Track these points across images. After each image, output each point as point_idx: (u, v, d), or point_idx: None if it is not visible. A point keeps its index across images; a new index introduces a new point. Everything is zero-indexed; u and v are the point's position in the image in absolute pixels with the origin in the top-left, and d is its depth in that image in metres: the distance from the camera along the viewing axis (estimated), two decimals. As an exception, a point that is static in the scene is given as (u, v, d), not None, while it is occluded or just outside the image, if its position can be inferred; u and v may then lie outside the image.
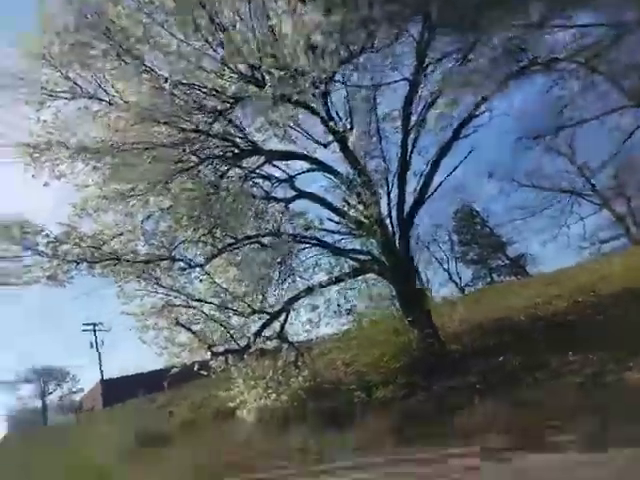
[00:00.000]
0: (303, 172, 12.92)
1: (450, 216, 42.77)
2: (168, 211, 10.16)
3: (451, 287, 43.09)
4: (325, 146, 12.55)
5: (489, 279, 43.26)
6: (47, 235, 9.87)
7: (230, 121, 11.14)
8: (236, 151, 11.08)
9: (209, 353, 12.11)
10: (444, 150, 11.99)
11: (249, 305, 12.44)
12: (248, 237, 11.42)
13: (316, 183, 13.69)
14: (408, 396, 10.53)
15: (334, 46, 9.46)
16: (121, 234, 10.60)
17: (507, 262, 43.13)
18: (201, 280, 12.55)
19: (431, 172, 12.08)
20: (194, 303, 12.22)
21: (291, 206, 12.55)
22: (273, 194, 12.56)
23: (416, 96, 11.50)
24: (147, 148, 10.06)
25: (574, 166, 28.80)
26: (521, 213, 30.48)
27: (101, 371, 45.98)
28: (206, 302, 12.31)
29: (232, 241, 11.21)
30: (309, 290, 11.49)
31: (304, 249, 12.00)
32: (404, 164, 11.87)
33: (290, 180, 12.68)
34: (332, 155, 12.41)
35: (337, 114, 12.00)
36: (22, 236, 9.59)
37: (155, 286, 12.11)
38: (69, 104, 10.60)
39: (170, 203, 10.13)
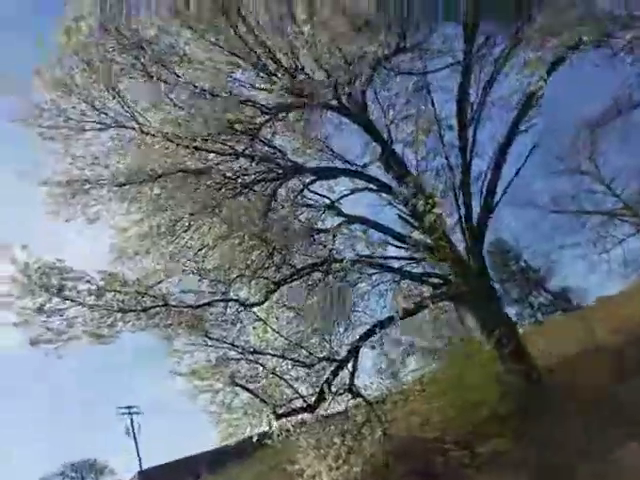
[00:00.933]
0: (348, 194, 11.44)
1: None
2: (220, 241, 8.94)
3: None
4: (364, 166, 11.40)
5: (534, 319, 39.61)
6: (89, 282, 8.73)
7: (267, 144, 10.29)
8: (279, 172, 10.06)
9: (272, 415, 10.43)
10: (504, 147, 10.49)
11: (311, 353, 10.86)
12: (308, 267, 9.98)
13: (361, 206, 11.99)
14: (523, 447, 8.53)
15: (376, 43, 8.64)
16: (166, 277, 9.43)
17: (550, 298, 39.51)
18: (254, 327, 11.13)
19: (494, 175, 10.55)
20: (250, 357, 10.73)
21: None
22: (317, 225, 11.30)
23: (470, 84, 10.22)
24: (188, 175, 9.20)
25: (600, 184, 26.22)
26: (554, 242, 27.98)
27: (139, 460, 43.05)
28: (263, 354, 10.79)
29: (290, 272, 9.81)
30: (380, 325, 9.80)
31: (370, 275, 10.32)
32: (465, 169, 10.41)
33: (334, 206, 11.26)
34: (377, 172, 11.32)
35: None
36: (62, 285, 8.46)
37: (206, 339, 10.76)
38: (99, 136, 9.98)
39: (218, 235, 8.95)
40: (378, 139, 10.58)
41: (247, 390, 10.68)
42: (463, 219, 10.27)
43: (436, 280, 9.99)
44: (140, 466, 42.26)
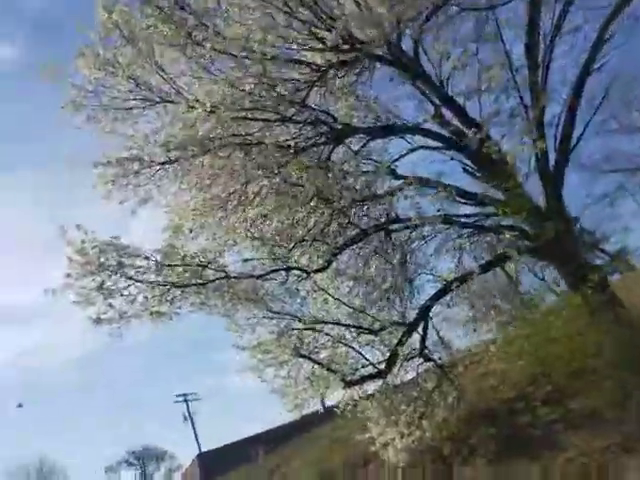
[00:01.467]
0: (406, 154, 10.44)
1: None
2: (280, 206, 8.46)
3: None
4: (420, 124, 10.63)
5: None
6: (147, 258, 8.48)
7: (316, 109, 9.70)
8: (331, 135, 9.38)
9: (342, 384, 10.10)
10: (578, 86, 9.48)
11: (377, 319, 10.41)
12: (373, 227, 9.42)
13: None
14: (620, 403, 7.79)
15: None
16: (224, 250, 9.09)
17: (607, 259, 37.74)
18: (314, 297, 10.77)
19: (569, 117, 9.51)
20: (315, 326, 10.37)
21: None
22: (376, 188, 10.60)
23: (540, 17, 9.19)
24: (239, 145, 8.80)
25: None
26: (607, 202, 26.43)
27: (198, 444, 44.15)
28: (327, 323, 10.42)
29: (355, 233, 9.27)
30: (459, 281, 9.12)
31: (439, 232, 9.52)
32: (539, 111, 9.27)
33: (391, 168, 10.23)
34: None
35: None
36: (120, 262, 8.23)
37: (267, 312, 10.48)
38: (146, 113, 9.66)
39: (276, 200, 8.49)
40: (435, 91, 9.82)
41: (312, 360, 10.39)
42: (539, 165, 9.40)
43: (513, 232, 9.16)
44: (199, 449, 43.44)
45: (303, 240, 8.82)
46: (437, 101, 10.29)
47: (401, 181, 10.37)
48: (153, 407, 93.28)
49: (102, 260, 8.13)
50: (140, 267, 8.40)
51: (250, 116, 9.07)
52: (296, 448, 21.61)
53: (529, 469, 7.85)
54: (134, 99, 9.55)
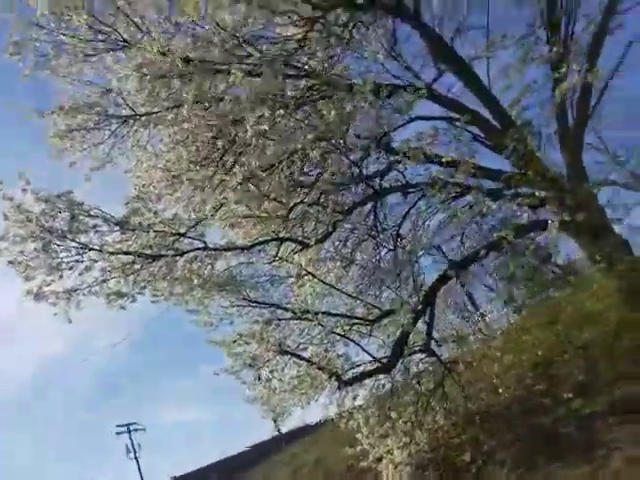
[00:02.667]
0: (402, 124, 8.75)
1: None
2: (280, 152, 6.89)
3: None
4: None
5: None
6: (106, 220, 6.73)
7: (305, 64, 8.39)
8: (327, 89, 8.01)
9: (336, 383, 8.56)
10: (599, 37, 8.15)
11: (374, 305, 9.02)
12: (386, 189, 8.02)
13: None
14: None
15: None
16: (202, 217, 7.46)
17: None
18: (301, 285, 9.29)
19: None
20: (306, 315, 8.84)
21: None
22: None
23: None
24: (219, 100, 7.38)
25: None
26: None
27: (141, 478, 40.26)
28: (318, 313, 8.92)
29: (366, 193, 7.80)
30: (487, 249, 7.76)
31: (452, 200, 8.19)
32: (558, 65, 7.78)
33: (381, 142, 8.47)
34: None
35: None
36: (71, 222, 6.45)
37: (245, 301, 8.93)
38: (108, 59, 8.06)
39: (271, 153, 6.96)
40: (436, 47, 8.81)
41: (300, 358, 8.88)
42: (559, 126, 8.37)
43: (534, 201, 7.91)
44: (144, 486, 39.55)
45: (302, 202, 7.29)
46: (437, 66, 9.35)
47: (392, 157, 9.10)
48: (94, 439, 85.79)
49: (47, 219, 6.33)
50: (97, 230, 6.64)
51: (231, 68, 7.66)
52: (262, 473, 19.68)
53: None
54: (96, 40, 7.99)
